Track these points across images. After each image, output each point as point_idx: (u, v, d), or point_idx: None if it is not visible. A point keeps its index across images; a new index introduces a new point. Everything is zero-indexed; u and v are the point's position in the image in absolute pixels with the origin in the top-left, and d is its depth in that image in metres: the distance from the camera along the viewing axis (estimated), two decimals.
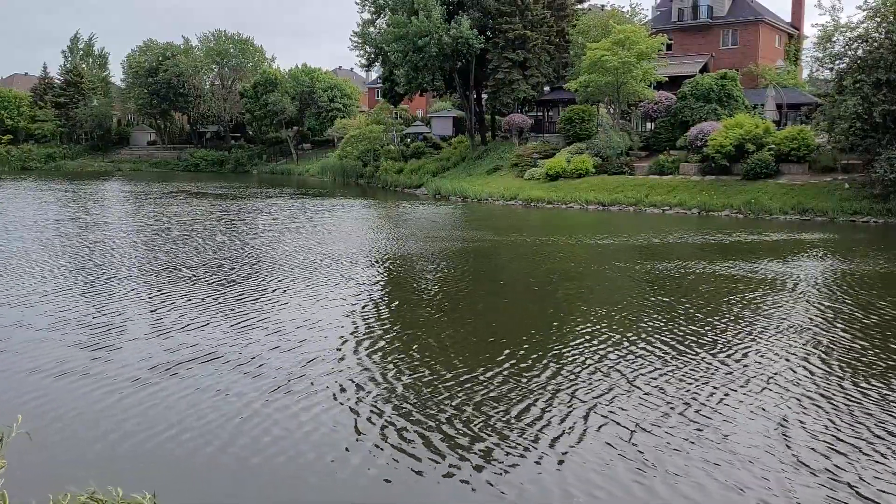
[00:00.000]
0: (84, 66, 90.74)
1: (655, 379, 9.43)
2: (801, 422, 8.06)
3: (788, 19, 56.28)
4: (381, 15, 50.04)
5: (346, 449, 7.42)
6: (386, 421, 8.13)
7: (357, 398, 8.84)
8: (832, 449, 7.37)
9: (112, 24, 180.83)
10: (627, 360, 10.21)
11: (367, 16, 50.65)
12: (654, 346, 10.89)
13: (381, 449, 7.44)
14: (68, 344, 11.01)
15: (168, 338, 11.39)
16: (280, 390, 9.04)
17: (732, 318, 12.66)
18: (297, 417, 8.21)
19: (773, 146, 33.02)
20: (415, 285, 16.36)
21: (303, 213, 32.25)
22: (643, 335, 11.53)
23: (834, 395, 8.88)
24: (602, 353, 10.61)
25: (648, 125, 42.78)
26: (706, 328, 11.96)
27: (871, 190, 28.24)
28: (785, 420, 8.08)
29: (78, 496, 2.72)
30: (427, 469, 7.04)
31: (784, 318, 12.62)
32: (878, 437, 7.63)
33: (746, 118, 35.04)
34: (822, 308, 13.49)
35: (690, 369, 9.82)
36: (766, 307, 13.48)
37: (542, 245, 23.05)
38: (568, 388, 9.13)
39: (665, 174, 36.33)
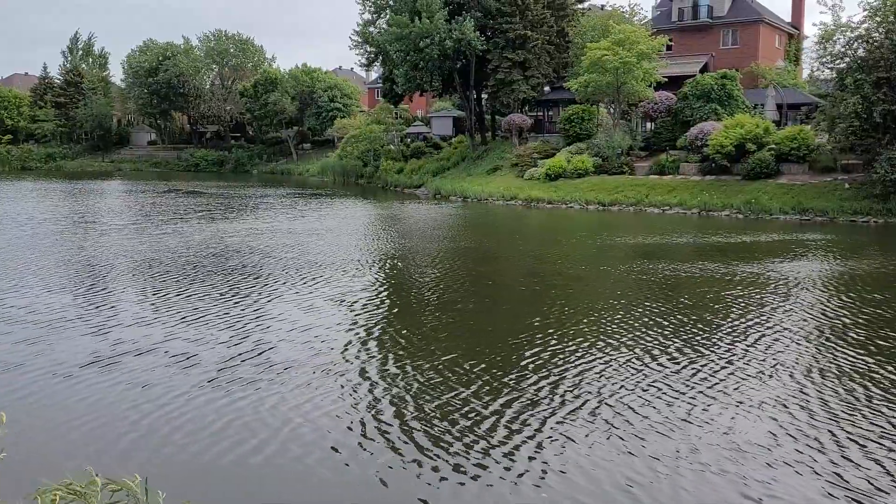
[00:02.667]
0: (84, 66, 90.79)
1: (636, 380, 9.39)
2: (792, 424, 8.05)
3: (788, 19, 56.28)
4: (382, 15, 50.01)
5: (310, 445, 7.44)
6: (349, 417, 8.17)
7: (315, 394, 8.90)
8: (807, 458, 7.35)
9: (112, 24, 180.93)
10: (603, 361, 10.18)
11: (367, 16, 50.66)
12: (638, 346, 10.87)
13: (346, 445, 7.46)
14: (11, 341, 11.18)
15: (110, 332, 11.63)
16: (211, 383, 9.25)
17: (725, 320, 12.62)
18: (254, 412, 8.27)
19: (774, 146, 33.00)
20: (393, 284, 16.32)
21: (292, 213, 32.20)
22: (627, 335, 11.50)
23: (823, 399, 8.87)
24: (581, 354, 10.57)
25: (648, 125, 42.75)
26: (696, 330, 11.91)
27: (872, 190, 28.22)
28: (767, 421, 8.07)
29: (54, 489, 2.70)
30: (397, 464, 7.06)
31: (778, 320, 12.60)
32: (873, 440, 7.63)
33: (747, 118, 35.03)
34: (817, 310, 13.46)
35: (674, 371, 9.77)
36: (762, 308, 13.45)
37: (540, 245, 23.05)
38: (536, 388, 9.09)
39: (665, 174, 36.32)
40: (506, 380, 9.42)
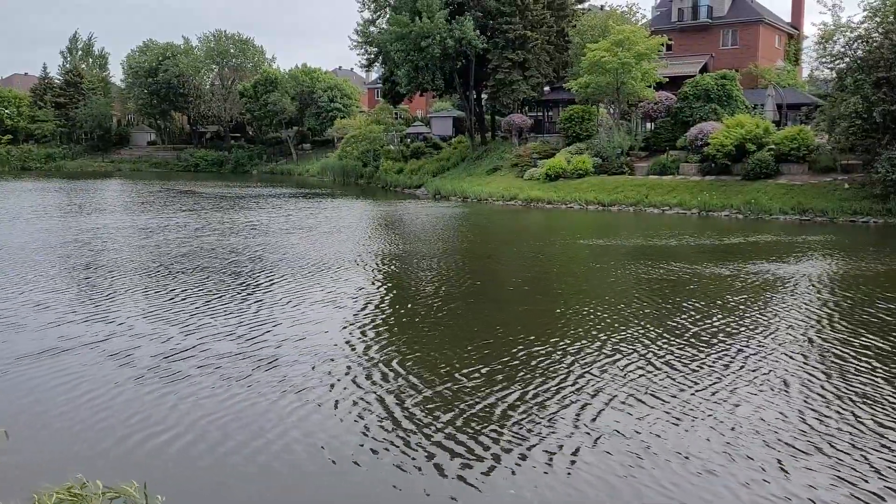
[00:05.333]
0: (84, 66, 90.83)
1: (628, 382, 9.33)
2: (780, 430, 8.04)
3: (788, 19, 56.29)
4: (382, 14, 50.05)
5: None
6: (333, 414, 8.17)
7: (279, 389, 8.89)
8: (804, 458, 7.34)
9: (112, 24, 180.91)
10: (596, 363, 10.12)
11: (367, 15, 50.71)
12: (633, 348, 10.82)
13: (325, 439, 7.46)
14: None
15: (59, 327, 11.82)
16: (142, 378, 9.32)
17: (722, 320, 12.58)
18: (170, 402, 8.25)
19: (773, 146, 32.98)
20: (376, 284, 16.32)
21: (283, 213, 32.07)
22: (609, 336, 11.43)
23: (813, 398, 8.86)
24: (574, 356, 10.52)
25: (648, 125, 42.77)
26: (693, 331, 11.85)
27: (871, 190, 28.21)
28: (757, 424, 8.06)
29: (56, 492, 2.68)
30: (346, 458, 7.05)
31: (775, 321, 12.58)
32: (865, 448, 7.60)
33: (747, 118, 35.01)
34: (815, 311, 13.43)
35: (669, 374, 9.72)
36: (758, 309, 13.43)
37: (536, 245, 23.02)
38: (529, 392, 9.01)
39: (665, 174, 36.30)
40: (473, 379, 9.36)
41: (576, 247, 22.36)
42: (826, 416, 8.12)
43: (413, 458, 7.16)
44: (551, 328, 11.99)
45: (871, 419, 8.01)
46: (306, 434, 7.71)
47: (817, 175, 31.99)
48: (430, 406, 8.49)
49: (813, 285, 15.56)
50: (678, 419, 8.06)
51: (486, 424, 7.94)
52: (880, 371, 9.62)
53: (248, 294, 14.53)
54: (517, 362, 10.08)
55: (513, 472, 6.90)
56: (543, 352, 10.59)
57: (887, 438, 7.52)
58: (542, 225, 29.37)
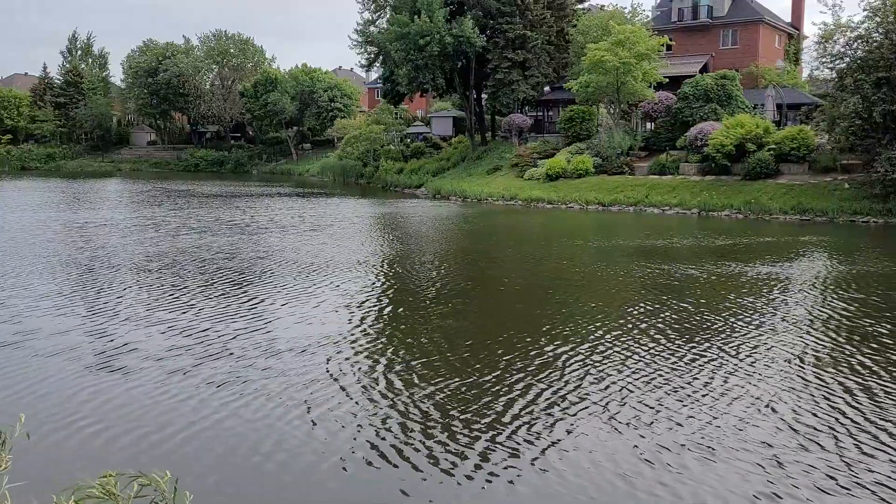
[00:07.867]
0: (83, 66, 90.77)
1: (623, 383, 9.30)
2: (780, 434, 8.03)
3: (788, 19, 56.25)
4: (382, 14, 50.08)
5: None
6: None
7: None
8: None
9: (112, 24, 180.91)
10: (570, 361, 10.10)
11: (367, 15, 50.73)
12: (629, 348, 10.82)
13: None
14: None
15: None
16: (96, 369, 9.27)
17: (721, 321, 12.60)
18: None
19: (773, 146, 32.98)
20: (369, 285, 16.28)
21: (275, 213, 31.99)
22: (601, 337, 11.41)
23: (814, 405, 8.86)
24: (571, 357, 10.51)
25: (648, 125, 42.75)
26: (692, 332, 11.85)
27: (871, 190, 28.21)
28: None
29: (85, 488, 2.65)
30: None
31: (775, 321, 12.58)
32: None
33: (747, 118, 35.00)
34: (816, 312, 13.42)
35: (667, 376, 9.71)
36: (758, 310, 13.43)
37: (535, 245, 23.01)
38: (520, 394, 8.93)
39: (665, 174, 36.30)
40: (463, 381, 9.29)
41: (574, 247, 22.34)
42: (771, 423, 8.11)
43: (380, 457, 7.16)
44: (537, 328, 11.91)
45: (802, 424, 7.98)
46: (235, 426, 7.72)
47: (817, 175, 31.99)
48: (375, 403, 8.50)
49: (788, 287, 15.48)
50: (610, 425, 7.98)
51: (444, 426, 7.91)
52: (825, 375, 9.58)
53: (249, 292, 14.50)
54: (474, 359, 10.04)
55: (509, 481, 6.90)
56: (511, 350, 10.55)
57: (820, 444, 7.43)
58: (542, 225, 29.35)
